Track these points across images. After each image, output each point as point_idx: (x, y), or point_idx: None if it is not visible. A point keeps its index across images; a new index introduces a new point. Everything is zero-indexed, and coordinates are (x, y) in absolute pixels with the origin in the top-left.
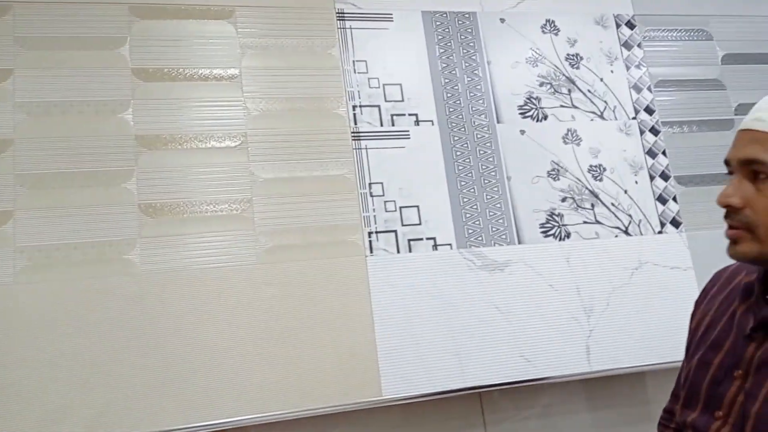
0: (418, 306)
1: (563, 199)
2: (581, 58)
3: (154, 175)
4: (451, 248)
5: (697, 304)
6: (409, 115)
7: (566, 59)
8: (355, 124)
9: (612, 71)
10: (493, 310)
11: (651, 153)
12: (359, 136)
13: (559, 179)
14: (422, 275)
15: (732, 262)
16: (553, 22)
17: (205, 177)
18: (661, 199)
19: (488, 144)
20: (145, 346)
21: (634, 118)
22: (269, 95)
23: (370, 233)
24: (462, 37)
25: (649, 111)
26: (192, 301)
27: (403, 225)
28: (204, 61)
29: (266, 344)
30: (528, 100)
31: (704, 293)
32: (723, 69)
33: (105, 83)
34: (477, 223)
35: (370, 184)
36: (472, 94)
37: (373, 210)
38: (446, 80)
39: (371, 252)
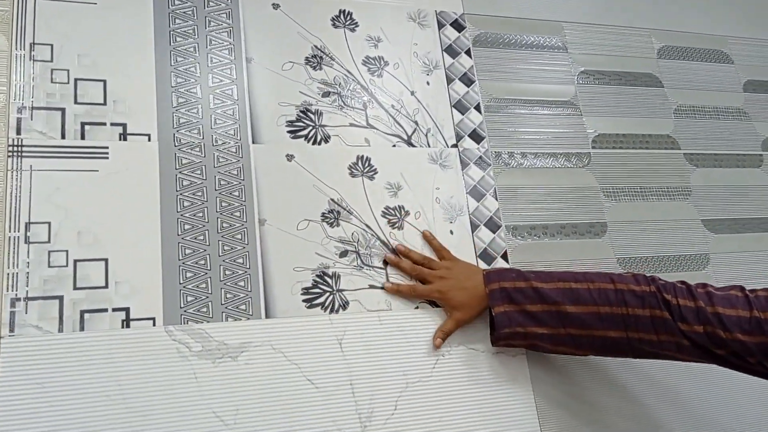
0: (84, 420)
1: (342, 254)
2: (386, 63)
3: None
4: (154, 324)
5: None
6: (113, 125)
7: (364, 63)
8: (18, 133)
9: (428, 83)
10: (213, 422)
11: (476, 193)
12: (21, 152)
13: (338, 224)
14: (98, 368)
15: None
16: (349, 13)
17: None
18: (486, 257)
19: (235, 172)
20: None
21: (454, 146)
22: None
23: (14, 300)
24: (213, 23)
25: (477, 137)
26: None
27: (75, 288)
28: None
29: None
30: (303, 114)
31: None
32: (579, 89)
33: None
34: (203, 287)
35: (28, 223)
36: (218, 101)
37: (27, 264)
38: (179, 80)
39: (12, 330)
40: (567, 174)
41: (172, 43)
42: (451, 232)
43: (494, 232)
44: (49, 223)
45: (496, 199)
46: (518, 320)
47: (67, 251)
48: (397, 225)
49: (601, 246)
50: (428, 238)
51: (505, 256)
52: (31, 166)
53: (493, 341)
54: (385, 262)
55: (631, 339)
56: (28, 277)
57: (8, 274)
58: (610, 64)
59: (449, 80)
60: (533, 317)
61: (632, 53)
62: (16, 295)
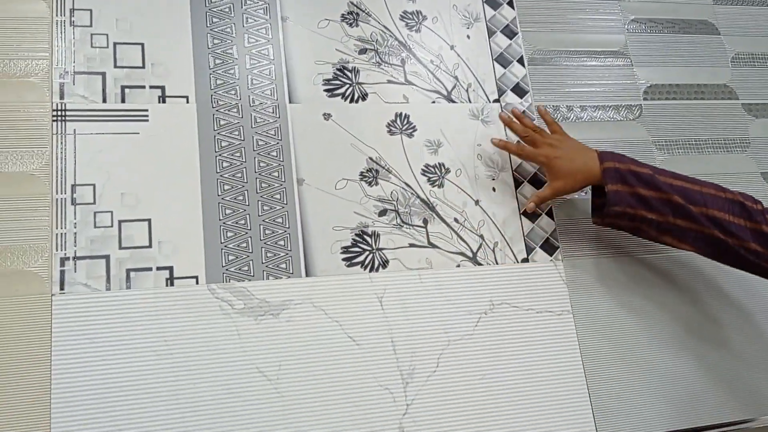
0: (133, 374)
1: (382, 212)
2: (424, 18)
3: None
4: (197, 282)
5: None
6: (152, 87)
7: (402, 18)
8: (62, 98)
9: (468, 37)
10: (256, 377)
11: None
12: (65, 116)
13: (377, 183)
14: (145, 324)
15: None
16: None
17: None
18: (531, 214)
19: (272, 132)
20: None
21: (496, 101)
22: None
23: (63, 259)
24: None
25: (520, 92)
26: None
27: (121, 248)
28: None
29: None
30: (339, 72)
31: None
32: (630, 38)
33: None
34: (243, 246)
35: (74, 186)
36: (254, 62)
37: (75, 224)
38: (215, 41)
39: (62, 288)
40: (616, 127)
41: (207, 5)
42: (494, 189)
43: (538, 189)
44: (94, 185)
45: None
46: (629, 202)
47: (111, 212)
48: (437, 183)
49: None
50: (541, 113)
51: (549, 213)
52: (74, 129)
53: (595, 220)
54: (425, 223)
55: (735, 245)
56: (75, 237)
57: (57, 234)
58: (663, 11)
59: (490, 33)
60: (644, 201)
61: None
62: (65, 254)
